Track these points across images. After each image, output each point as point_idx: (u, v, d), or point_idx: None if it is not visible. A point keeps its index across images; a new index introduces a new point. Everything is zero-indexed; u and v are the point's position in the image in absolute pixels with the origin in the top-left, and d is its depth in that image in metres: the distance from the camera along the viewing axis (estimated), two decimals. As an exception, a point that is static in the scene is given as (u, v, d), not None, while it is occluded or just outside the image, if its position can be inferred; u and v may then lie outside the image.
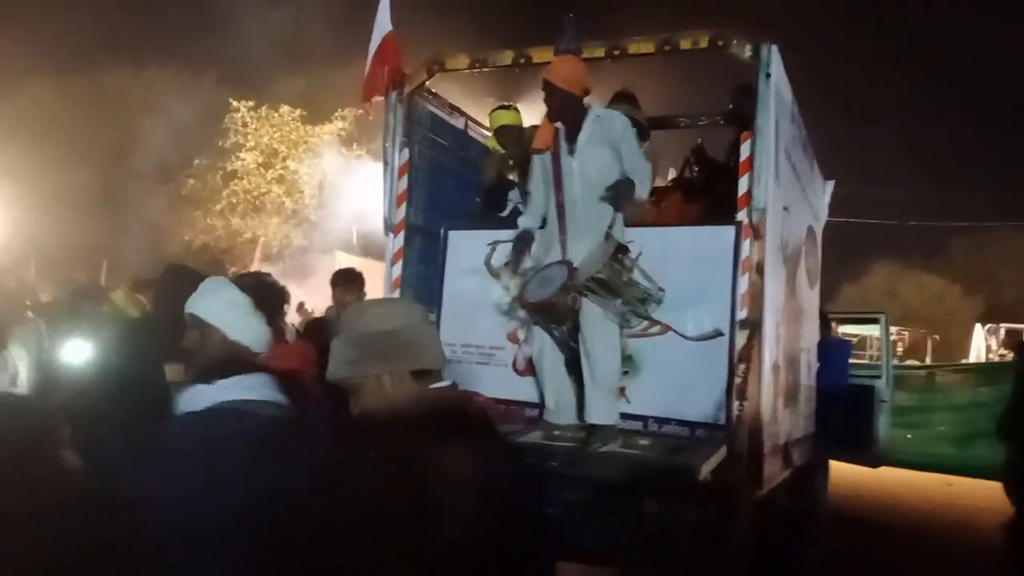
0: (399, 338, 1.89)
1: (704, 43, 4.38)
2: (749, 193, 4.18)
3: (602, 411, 4.16)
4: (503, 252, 4.78)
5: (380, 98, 5.06)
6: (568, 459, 3.96)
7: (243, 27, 22.98)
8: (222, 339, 2.28)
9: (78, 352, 5.95)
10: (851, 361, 8.82)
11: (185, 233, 23.15)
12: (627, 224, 4.29)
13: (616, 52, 4.55)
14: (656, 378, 4.37)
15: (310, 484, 1.72)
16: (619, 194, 4.08)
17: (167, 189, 23.63)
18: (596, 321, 4.11)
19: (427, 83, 5.16)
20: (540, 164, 4.42)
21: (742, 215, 4.22)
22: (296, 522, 1.68)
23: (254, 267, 19.36)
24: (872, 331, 13.69)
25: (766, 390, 4.22)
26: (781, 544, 4.90)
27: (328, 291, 5.65)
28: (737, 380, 4.07)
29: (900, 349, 23.00)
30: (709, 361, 4.22)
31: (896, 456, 9.10)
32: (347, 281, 4.98)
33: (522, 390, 4.68)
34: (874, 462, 8.46)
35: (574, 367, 4.26)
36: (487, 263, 4.82)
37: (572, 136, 4.26)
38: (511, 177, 5.48)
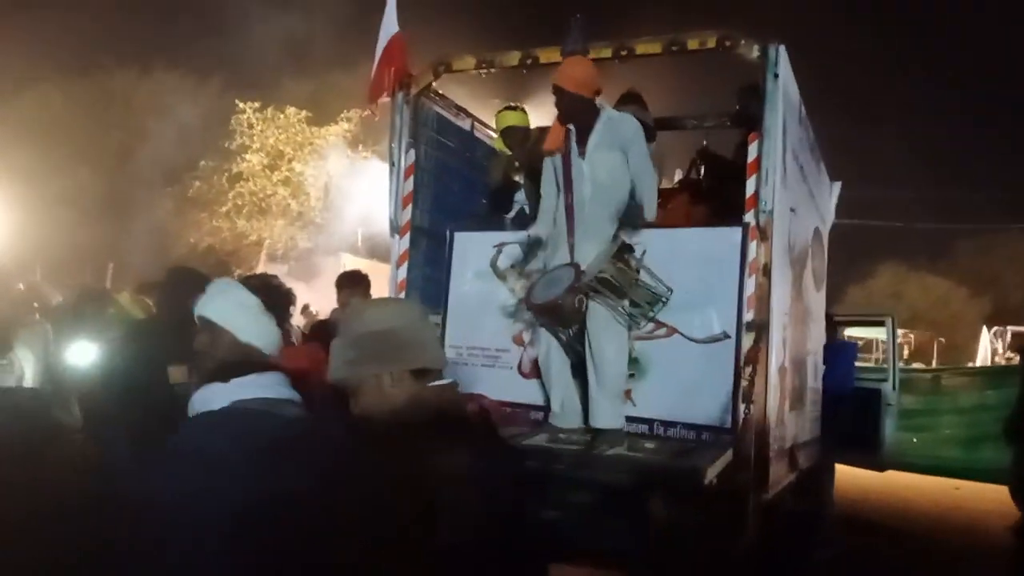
0: (397, 337, 1.88)
1: (711, 43, 4.37)
2: (756, 194, 4.16)
3: (608, 415, 4.14)
4: (509, 254, 4.77)
5: (386, 99, 5.06)
6: (574, 462, 3.94)
7: (248, 29, 23.09)
8: (232, 341, 2.26)
9: (83, 354, 5.96)
10: (857, 364, 8.79)
11: (191, 235, 23.19)
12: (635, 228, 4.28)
13: (623, 53, 4.55)
14: (662, 381, 4.35)
15: (319, 484, 1.71)
16: (629, 219, 4.10)
17: (173, 191, 23.70)
18: (603, 324, 4.10)
19: (433, 84, 5.16)
20: (551, 166, 4.41)
21: (749, 217, 4.20)
22: (301, 521, 1.68)
23: (260, 269, 19.41)
24: (878, 334, 13.65)
25: (773, 393, 4.20)
26: (787, 548, 4.88)
27: (334, 293, 5.65)
28: (743, 383, 4.06)
29: (906, 352, 22.94)
30: (715, 364, 4.19)
31: (902, 459, 9.05)
32: (352, 283, 4.97)
33: (527, 393, 4.67)
34: (880, 465, 8.44)
35: (580, 370, 4.25)
36: (493, 265, 4.81)
37: (583, 138, 4.24)
38: (517, 178, 5.47)
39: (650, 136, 5.04)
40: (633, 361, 4.30)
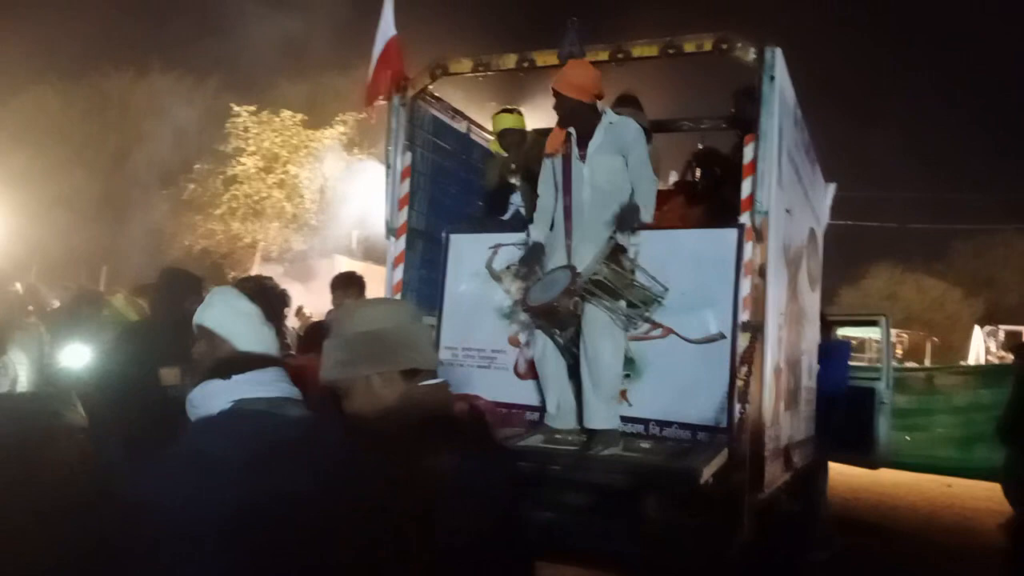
0: (388, 338, 1.88)
1: (708, 46, 4.39)
2: (752, 196, 4.18)
3: (603, 416, 4.15)
4: (505, 255, 4.79)
5: (383, 102, 5.08)
6: (569, 463, 3.96)
7: (244, 32, 23.07)
8: (231, 350, 2.27)
9: (78, 356, 5.96)
10: (851, 363, 8.82)
11: (185, 237, 23.14)
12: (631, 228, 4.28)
13: (620, 55, 4.56)
14: (658, 381, 4.36)
15: (315, 485, 1.72)
16: (624, 219, 4.08)
17: (168, 194, 23.65)
18: (598, 326, 4.11)
19: (430, 87, 5.17)
20: (550, 168, 4.42)
21: (745, 218, 4.22)
22: (296, 522, 1.68)
23: (254, 271, 19.38)
24: (871, 333, 13.69)
25: (768, 393, 4.22)
26: (783, 548, 4.90)
27: (330, 295, 5.66)
28: (739, 383, 4.07)
29: (899, 351, 22.99)
30: (711, 364, 4.21)
31: (896, 458, 9.09)
32: (345, 285, 4.98)
33: (523, 394, 4.68)
34: (874, 464, 8.46)
35: (576, 371, 4.26)
36: (489, 267, 4.83)
37: (584, 142, 4.25)
38: (513, 181, 5.48)
39: (646, 139, 5.06)
40: (629, 361, 4.32)
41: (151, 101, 24.83)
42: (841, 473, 8.44)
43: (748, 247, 4.23)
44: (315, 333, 5.83)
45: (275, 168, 22.69)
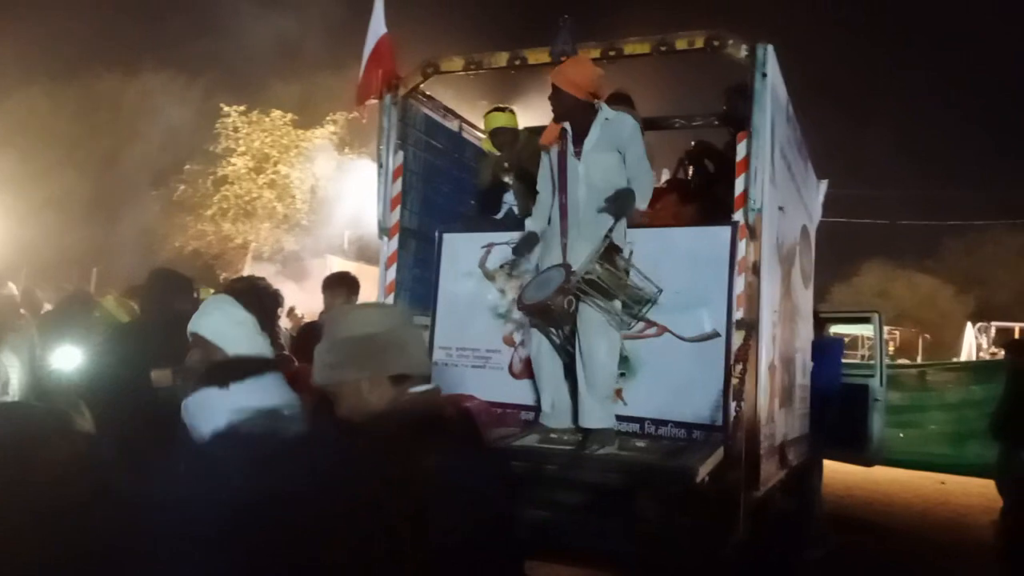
0: (377, 343, 1.88)
1: (700, 43, 4.38)
2: (745, 193, 4.18)
3: (598, 415, 4.13)
4: (498, 255, 4.77)
5: (374, 101, 5.05)
6: (565, 462, 3.95)
7: (234, 33, 22.98)
8: (224, 358, 2.25)
9: (69, 358, 5.91)
10: (843, 361, 8.84)
11: (176, 238, 23.07)
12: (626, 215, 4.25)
13: (612, 53, 4.56)
14: (653, 380, 4.36)
15: (309, 486, 1.71)
16: (620, 204, 4.04)
17: (158, 195, 23.57)
18: (593, 325, 4.08)
19: (422, 85, 5.15)
20: (547, 164, 4.39)
21: (738, 215, 4.22)
22: (291, 522, 1.67)
23: (246, 272, 19.32)
24: (863, 330, 13.73)
25: (763, 391, 4.22)
26: (778, 546, 4.90)
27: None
28: (734, 381, 4.07)
29: (891, 348, 23.07)
30: (706, 362, 4.21)
31: (889, 455, 9.12)
32: (334, 285, 4.95)
33: (518, 393, 4.67)
34: (868, 461, 8.49)
35: (572, 370, 4.24)
36: (482, 266, 4.82)
37: (579, 139, 4.22)
38: (506, 179, 5.47)
39: (640, 135, 5.04)
40: (624, 360, 4.31)
41: (141, 102, 24.73)
42: (835, 470, 8.46)
43: (742, 245, 4.22)
44: (308, 334, 5.82)
45: (266, 168, 22.65)
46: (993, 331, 21.72)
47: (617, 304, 4.10)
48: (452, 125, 5.91)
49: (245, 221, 22.80)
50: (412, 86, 5.09)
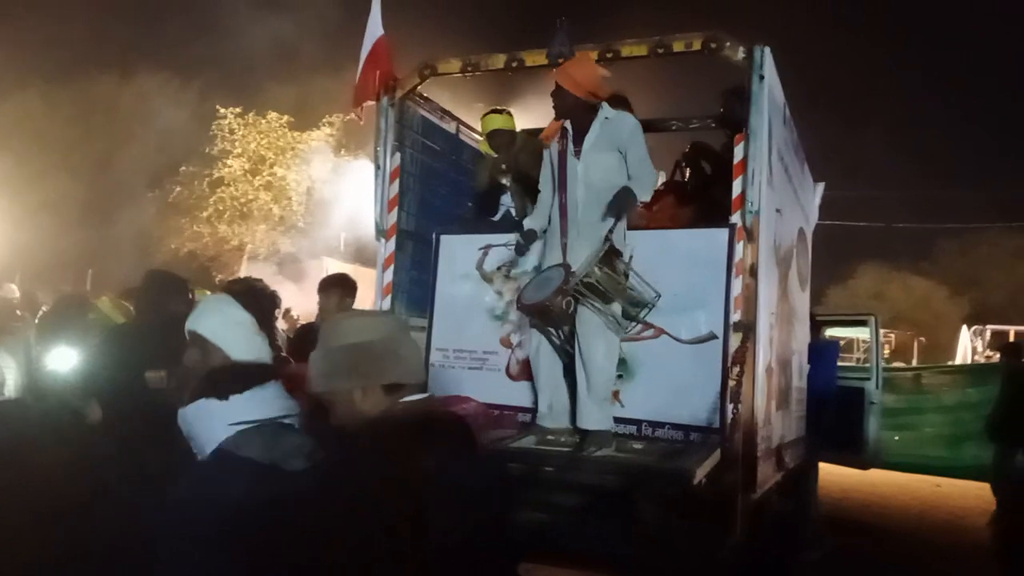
0: (370, 352, 1.88)
1: (697, 45, 4.39)
2: (743, 195, 4.18)
3: (596, 417, 4.13)
4: (495, 256, 4.77)
5: (372, 103, 5.05)
6: (562, 464, 3.95)
7: (230, 35, 22.95)
8: (224, 359, 2.24)
9: (64, 359, 5.90)
10: (839, 363, 8.85)
11: (172, 240, 23.04)
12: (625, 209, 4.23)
13: (609, 55, 4.55)
14: (650, 382, 4.35)
15: (311, 486, 1.70)
16: (619, 204, 4.02)
17: (154, 197, 23.53)
18: (592, 328, 4.08)
19: (419, 87, 5.15)
20: (548, 163, 4.39)
21: (736, 217, 4.22)
22: (292, 523, 1.67)
23: (242, 273, 19.28)
24: (859, 333, 13.74)
25: (760, 393, 4.22)
26: (775, 548, 4.90)
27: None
28: (731, 383, 4.07)
29: (887, 351, 23.09)
30: (703, 364, 4.21)
31: (885, 458, 9.12)
32: (328, 287, 4.93)
33: (515, 395, 4.66)
34: (864, 464, 8.49)
35: (570, 371, 4.24)
36: (479, 267, 4.82)
37: (579, 138, 4.22)
38: (503, 181, 5.46)
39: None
40: (621, 362, 4.30)
41: (137, 104, 24.69)
42: (830, 473, 8.46)
43: (739, 247, 4.23)
44: (305, 336, 5.81)
45: (262, 170, 22.63)
46: (988, 334, 21.74)
47: (616, 307, 4.09)
48: (449, 127, 5.90)
49: (241, 223, 22.77)
50: (409, 88, 5.09)
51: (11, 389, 6.20)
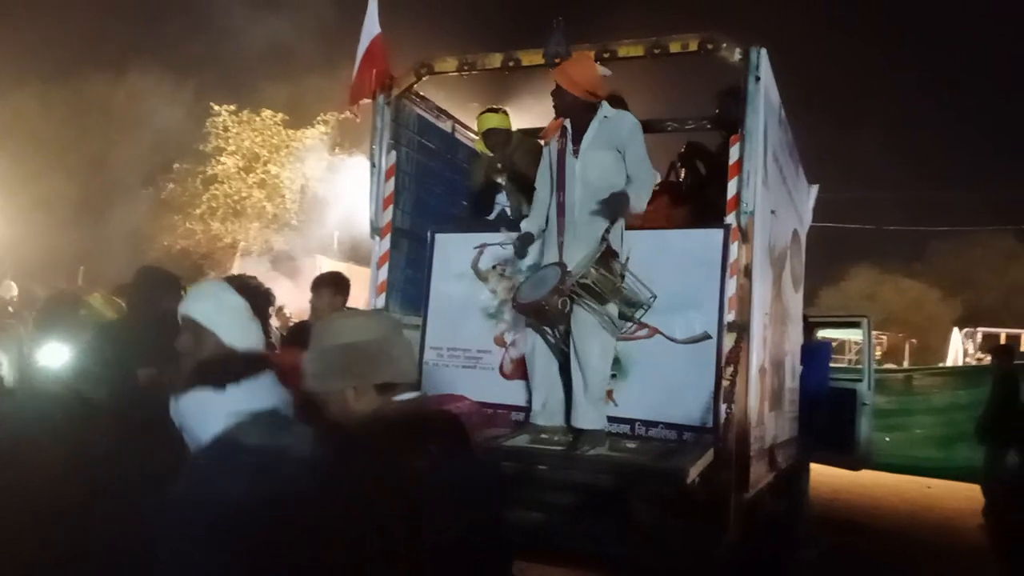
0: (362, 352, 1.88)
1: (693, 46, 4.40)
2: (738, 196, 4.19)
3: (590, 417, 4.14)
4: (491, 255, 4.77)
5: (367, 101, 5.05)
6: (556, 463, 3.95)
7: (225, 32, 22.88)
8: (216, 343, 2.23)
9: (56, 355, 5.88)
10: (831, 365, 8.88)
11: (165, 238, 22.94)
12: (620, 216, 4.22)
13: (606, 55, 4.56)
14: (644, 381, 4.36)
15: (306, 486, 1.70)
16: (613, 207, 4.01)
17: (147, 194, 23.44)
18: (587, 328, 4.08)
19: (415, 86, 5.15)
20: (547, 162, 4.39)
21: (730, 218, 4.23)
22: (286, 523, 1.66)
23: (234, 271, 19.22)
24: (851, 335, 13.80)
25: (753, 393, 4.23)
26: (768, 548, 4.92)
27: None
28: (725, 383, 4.08)
29: (878, 353, 23.16)
30: (697, 364, 4.22)
31: (876, 459, 9.16)
32: (319, 286, 4.92)
33: (509, 394, 4.67)
34: (855, 465, 8.53)
35: (565, 370, 4.25)
36: (474, 266, 4.82)
37: (578, 137, 4.22)
38: (499, 180, 5.47)
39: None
40: (615, 361, 4.30)
41: (130, 101, 24.59)
42: (821, 474, 8.49)
43: (734, 247, 4.24)
44: (298, 334, 5.80)
45: (255, 168, 22.55)
46: (980, 336, 21.83)
47: (611, 307, 4.10)
48: (445, 126, 5.91)
49: (234, 221, 22.69)
50: (405, 86, 5.09)
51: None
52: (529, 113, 7.03)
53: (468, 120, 6.08)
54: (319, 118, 22.73)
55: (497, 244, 4.70)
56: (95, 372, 3.79)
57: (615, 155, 4.18)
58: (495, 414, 4.63)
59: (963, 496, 9.48)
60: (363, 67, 5.01)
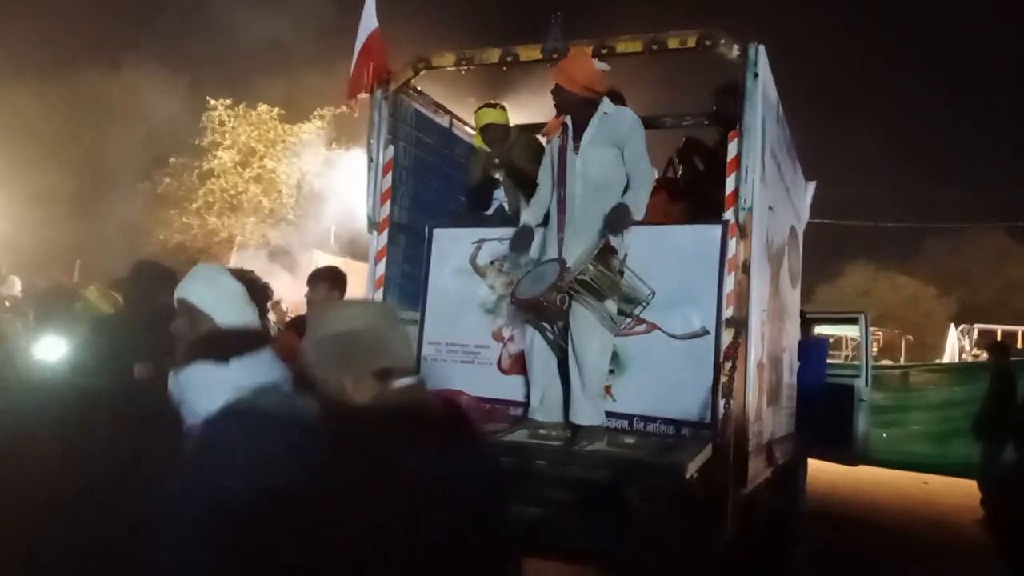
0: (358, 340, 1.88)
1: (692, 42, 4.39)
2: (736, 192, 4.19)
3: (588, 413, 4.13)
4: (488, 250, 4.77)
5: (365, 95, 5.03)
6: (554, 458, 3.95)
7: (221, 26, 22.83)
8: (212, 327, 2.21)
9: (52, 349, 5.87)
10: (828, 361, 8.90)
11: (161, 232, 22.90)
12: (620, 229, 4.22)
13: (604, 51, 4.55)
14: (642, 377, 4.36)
15: (303, 478, 1.69)
16: (615, 221, 4.01)
17: (143, 188, 23.39)
18: (585, 324, 4.08)
19: (412, 81, 5.14)
20: (549, 157, 4.38)
21: (729, 214, 4.23)
22: (284, 515, 1.66)
23: (231, 266, 19.15)
24: (847, 331, 13.82)
25: (751, 389, 4.23)
26: (765, 543, 4.92)
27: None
28: (723, 379, 4.08)
29: (875, 349, 23.21)
30: (695, 360, 4.22)
31: (873, 455, 9.18)
32: (315, 280, 4.91)
33: (507, 389, 4.66)
34: (852, 460, 8.54)
35: (564, 366, 4.24)
36: (472, 261, 4.81)
37: (578, 134, 4.21)
38: (496, 176, 5.46)
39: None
40: (613, 357, 4.30)
41: (126, 95, 24.52)
42: (817, 469, 8.50)
43: (732, 243, 4.24)
44: (295, 329, 5.79)
45: (252, 162, 22.51)
46: (976, 333, 21.89)
47: (610, 304, 4.09)
48: (443, 121, 5.90)
49: (230, 215, 22.65)
50: (403, 81, 5.08)
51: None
52: (527, 108, 7.01)
53: (466, 115, 6.07)
54: (316, 113, 22.69)
55: (495, 239, 4.70)
56: (91, 366, 3.78)
57: (615, 152, 4.18)
58: (493, 409, 4.63)
59: (960, 492, 9.51)
60: (360, 62, 4.99)
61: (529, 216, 4.41)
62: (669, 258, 4.34)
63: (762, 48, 4.25)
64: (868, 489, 10.09)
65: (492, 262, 4.72)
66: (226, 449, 1.70)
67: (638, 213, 4.11)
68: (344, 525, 1.60)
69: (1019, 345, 20.35)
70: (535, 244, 4.38)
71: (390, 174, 5.07)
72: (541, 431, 4.22)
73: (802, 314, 7.10)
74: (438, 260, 4.97)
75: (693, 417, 4.18)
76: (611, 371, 4.32)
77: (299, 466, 1.62)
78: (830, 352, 11.65)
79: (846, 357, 18.10)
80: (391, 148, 5.06)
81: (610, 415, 4.30)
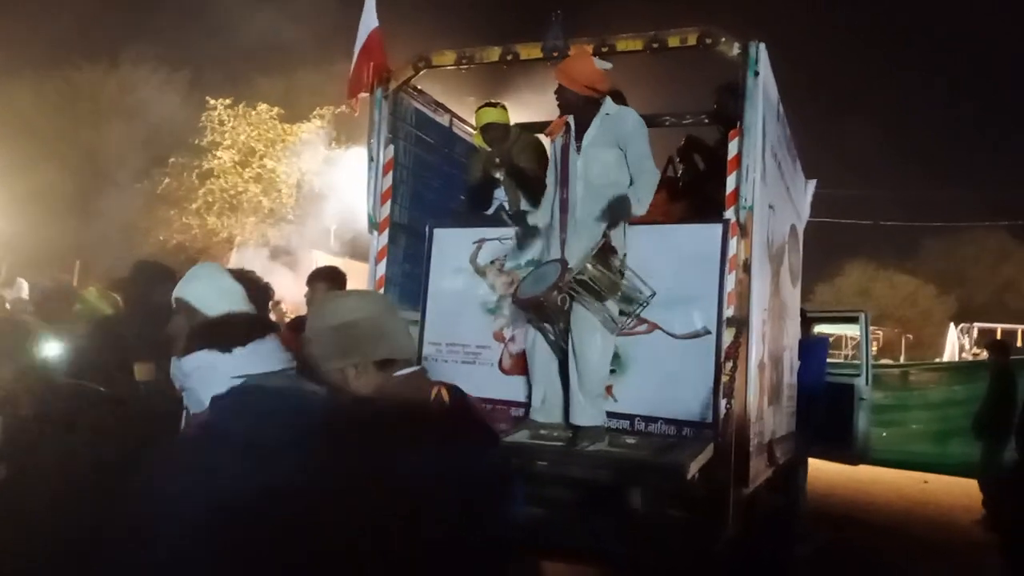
0: (358, 330, 1.89)
1: (692, 41, 4.38)
2: (736, 191, 4.18)
3: (589, 413, 4.12)
4: (489, 250, 4.76)
5: (365, 94, 5.02)
6: (555, 458, 3.94)
7: (221, 25, 22.81)
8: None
9: (52, 348, 5.86)
10: (828, 360, 8.89)
11: (160, 232, 22.89)
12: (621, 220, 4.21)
13: (604, 49, 4.54)
14: (643, 376, 4.35)
15: (303, 476, 1.68)
16: (616, 212, 4.01)
17: (143, 188, 23.37)
18: (586, 325, 4.07)
19: (413, 80, 5.12)
20: (553, 157, 4.38)
21: (729, 213, 4.22)
22: (286, 512, 1.65)
23: (231, 266, 19.13)
24: (847, 330, 13.82)
25: (752, 388, 4.22)
26: (766, 542, 4.92)
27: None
28: (724, 378, 4.07)
29: (874, 348, 23.21)
30: (696, 359, 4.21)
31: (873, 454, 9.17)
32: (314, 280, 4.90)
33: (508, 389, 4.65)
34: (853, 460, 8.53)
35: (564, 366, 4.23)
36: (473, 261, 4.80)
37: (581, 134, 4.20)
38: (497, 175, 5.43)
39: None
40: (614, 357, 4.28)
41: (126, 95, 24.51)
42: (817, 469, 8.50)
43: (733, 242, 4.22)
44: (295, 329, 5.78)
45: (251, 162, 22.49)
46: (975, 332, 21.91)
47: (611, 304, 4.08)
48: (443, 120, 5.89)
49: (230, 215, 22.64)
50: (403, 80, 5.06)
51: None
52: (527, 108, 7.00)
53: (466, 114, 6.05)
54: (315, 112, 22.67)
55: (496, 239, 4.69)
56: (91, 366, 3.77)
57: (617, 152, 4.17)
58: (494, 410, 4.62)
59: (960, 491, 9.50)
60: (361, 61, 4.98)
61: (535, 218, 4.40)
62: (670, 257, 4.33)
63: (763, 46, 4.24)
64: (868, 488, 10.08)
65: (492, 262, 4.71)
66: (227, 438, 1.70)
67: (640, 207, 4.09)
68: (344, 524, 1.60)
69: (1019, 344, 20.37)
70: (538, 244, 4.38)
71: (390, 173, 5.06)
72: (542, 432, 4.21)
73: (802, 313, 7.09)
74: (439, 260, 4.96)
75: (694, 417, 4.17)
76: (612, 371, 4.31)
77: (299, 463, 1.61)
78: (830, 351, 11.66)
79: (846, 356, 18.10)
80: (391, 147, 5.05)
81: (611, 415, 4.29)
